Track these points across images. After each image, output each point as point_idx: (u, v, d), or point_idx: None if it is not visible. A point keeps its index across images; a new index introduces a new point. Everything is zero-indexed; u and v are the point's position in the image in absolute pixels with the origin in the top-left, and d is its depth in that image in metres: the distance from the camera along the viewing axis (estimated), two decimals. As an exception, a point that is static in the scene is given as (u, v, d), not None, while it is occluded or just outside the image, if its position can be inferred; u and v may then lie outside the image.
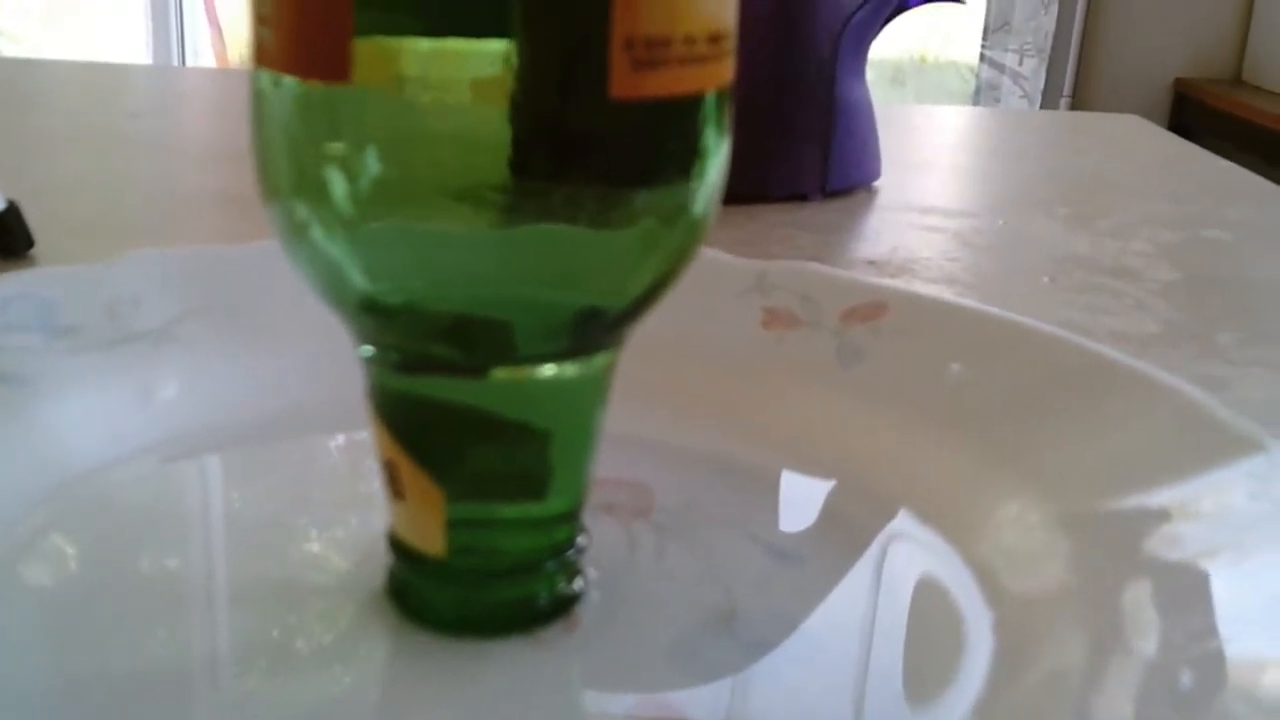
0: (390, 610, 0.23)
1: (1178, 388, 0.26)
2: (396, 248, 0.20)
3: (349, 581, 0.24)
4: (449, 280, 0.20)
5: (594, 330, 0.21)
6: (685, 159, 0.21)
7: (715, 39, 0.20)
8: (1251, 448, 0.24)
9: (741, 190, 0.58)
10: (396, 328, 0.21)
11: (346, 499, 0.28)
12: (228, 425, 0.30)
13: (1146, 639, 0.20)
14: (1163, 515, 0.23)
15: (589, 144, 0.20)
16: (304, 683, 0.22)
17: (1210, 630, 0.20)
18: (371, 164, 0.20)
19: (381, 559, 0.24)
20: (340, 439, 0.31)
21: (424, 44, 0.19)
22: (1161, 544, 0.22)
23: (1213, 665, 0.19)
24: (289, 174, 0.21)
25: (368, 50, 0.19)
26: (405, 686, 0.22)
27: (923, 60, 2.76)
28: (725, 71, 0.21)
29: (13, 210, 0.44)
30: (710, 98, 0.20)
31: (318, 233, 0.21)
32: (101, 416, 0.29)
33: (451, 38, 0.19)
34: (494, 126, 0.20)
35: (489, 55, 0.19)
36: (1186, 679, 0.19)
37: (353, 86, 0.19)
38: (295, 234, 0.21)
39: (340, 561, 0.25)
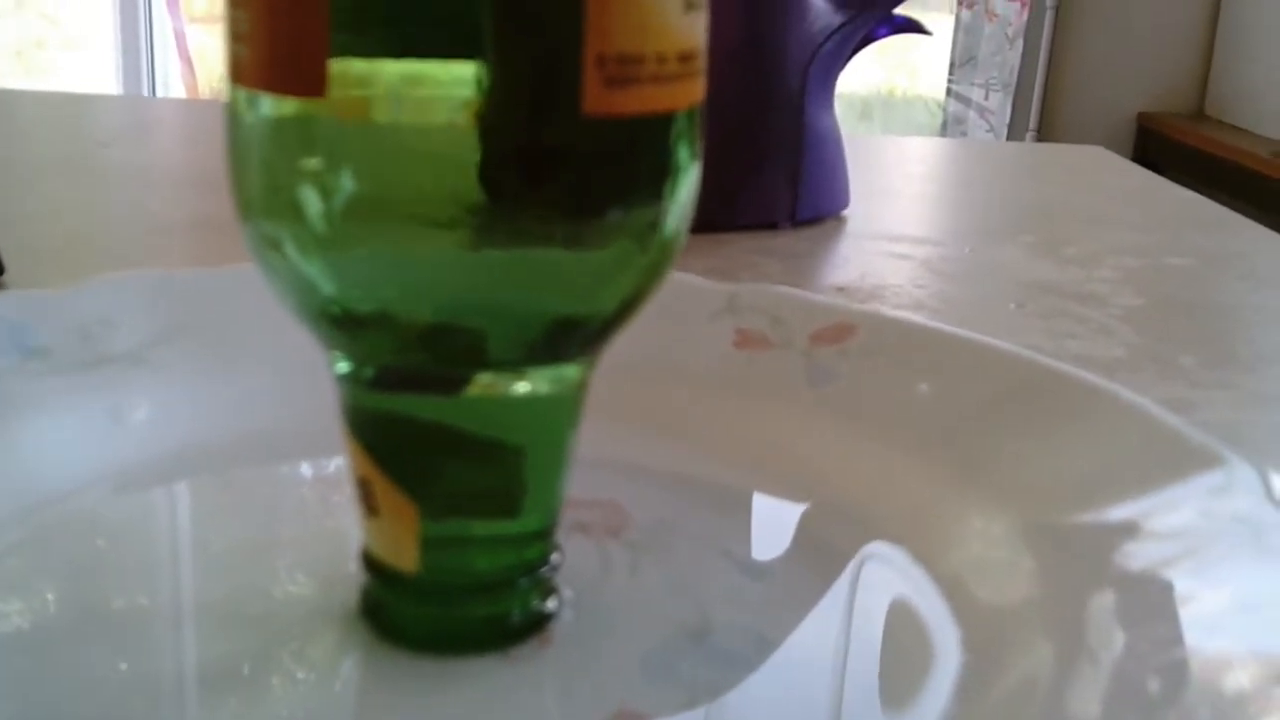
0: (364, 629, 0.23)
1: (1140, 405, 0.27)
2: (369, 261, 0.21)
3: (322, 601, 0.24)
4: (422, 291, 0.21)
5: (567, 340, 0.22)
6: (657, 177, 0.21)
7: (686, 58, 0.20)
8: (1212, 462, 0.24)
9: (711, 219, 0.58)
10: (369, 338, 0.21)
11: (318, 522, 0.28)
12: (199, 448, 0.30)
13: (1113, 648, 0.20)
14: (1127, 528, 0.24)
15: (562, 161, 0.20)
16: (278, 703, 0.22)
17: (1175, 638, 0.20)
18: (345, 182, 0.20)
19: (355, 580, 0.24)
20: (312, 462, 0.31)
21: (398, 63, 0.20)
22: (1126, 555, 0.23)
23: (1178, 672, 0.19)
24: (263, 191, 0.21)
25: (342, 69, 0.19)
26: (379, 705, 0.22)
27: (890, 94, 2.79)
28: (695, 90, 0.21)
29: (-18, 237, 0.44)
30: (681, 116, 0.21)
31: (291, 248, 0.21)
32: (72, 438, 0.29)
33: (425, 57, 0.20)
34: (468, 145, 0.20)
35: (463, 73, 0.20)
36: (1153, 685, 0.19)
37: (327, 104, 0.19)
38: (269, 250, 0.21)
39: (313, 581, 0.25)
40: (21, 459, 0.28)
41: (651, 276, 0.22)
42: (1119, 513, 0.24)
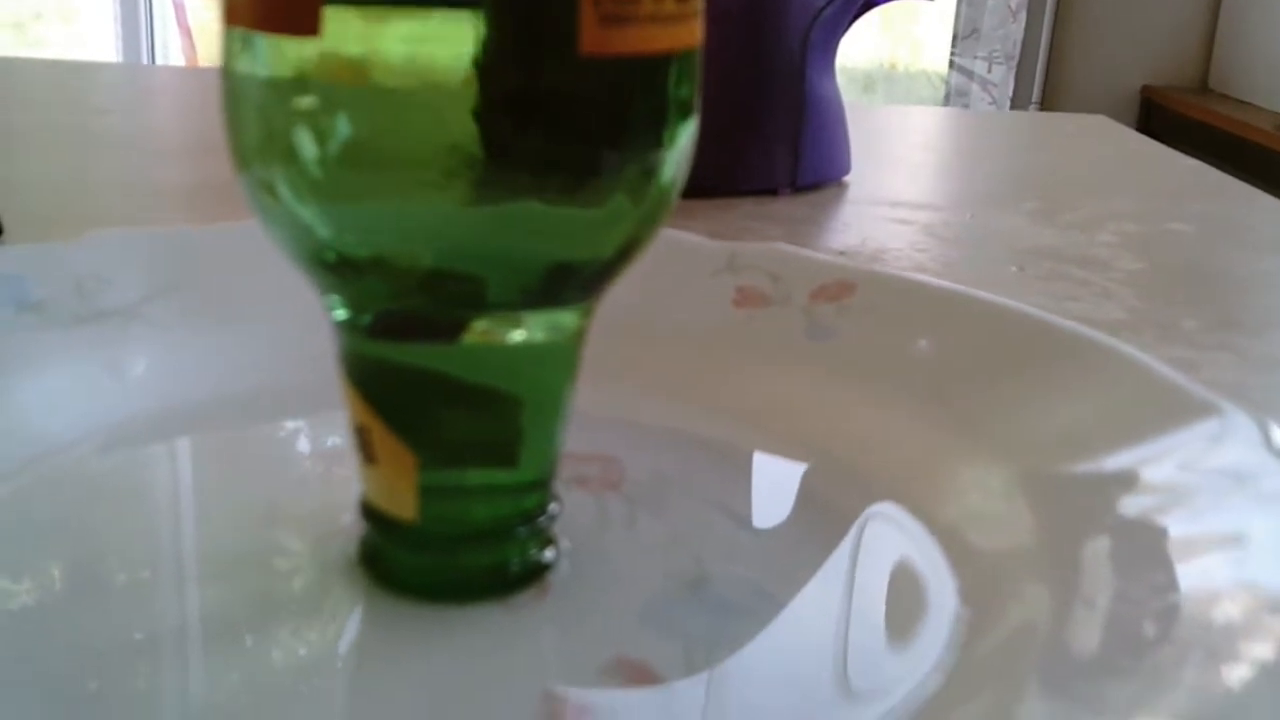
0: (363, 577, 0.23)
1: (1137, 357, 0.27)
2: (365, 206, 0.20)
3: (320, 550, 0.24)
4: (418, 238, 0.21)
5: (565, 285, 0.22)
6: (655, 120, 0.21)
7: None
8: (1209, 411, 0.24)
9: (713, 184, 0.58)
10: (365, 283, 0.21)
11: (316, 474, 0.28)
12: (195, 403, 0.30)
13: (1109, 592, 0.20)
14: (1124, 476, 0.24)
15: (560, 101, 0.20)
16: (277, 649, 0.22)
17: (1171, 582, 0.20)
18: (341, 127, 0.20)
19: (353, 529, 0.24)
20: (309, 416, 0.31)
21: (393, 7, 0.19)
22: (1123, 503, 0.23)
23: (1173, 613, 0.19)
24: (259, 136, 0.21)
25: (337, 12, 0.19)
26: (378, 652, 0.22)
27: (893, 68, 2.78)
28: (693, 32, 0.21)
29: (-20, 198, 0.44)
30: (679, 58, 0.21)
31: (286, 193, 0.21)
32: (69, 393, 0.29)
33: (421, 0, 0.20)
34: (465, 89, 0.20)
35: (459, 15, 0.19)
36: (1149, 627, 0.19)
37: (322, 48, 0.19)
38: (265, 195, 0.21)
39: (311, 531, 0.25)
40: (16, 413, 0.28)
41: (649, 224, 0.22)
42: (1116, 462, 0.24)
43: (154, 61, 2.59)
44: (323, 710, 0.20)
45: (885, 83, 2.77)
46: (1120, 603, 0.20)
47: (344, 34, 0.19)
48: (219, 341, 0.31)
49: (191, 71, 0.98)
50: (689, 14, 0.20)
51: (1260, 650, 0.18)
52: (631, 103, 0.20)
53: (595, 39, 0.19)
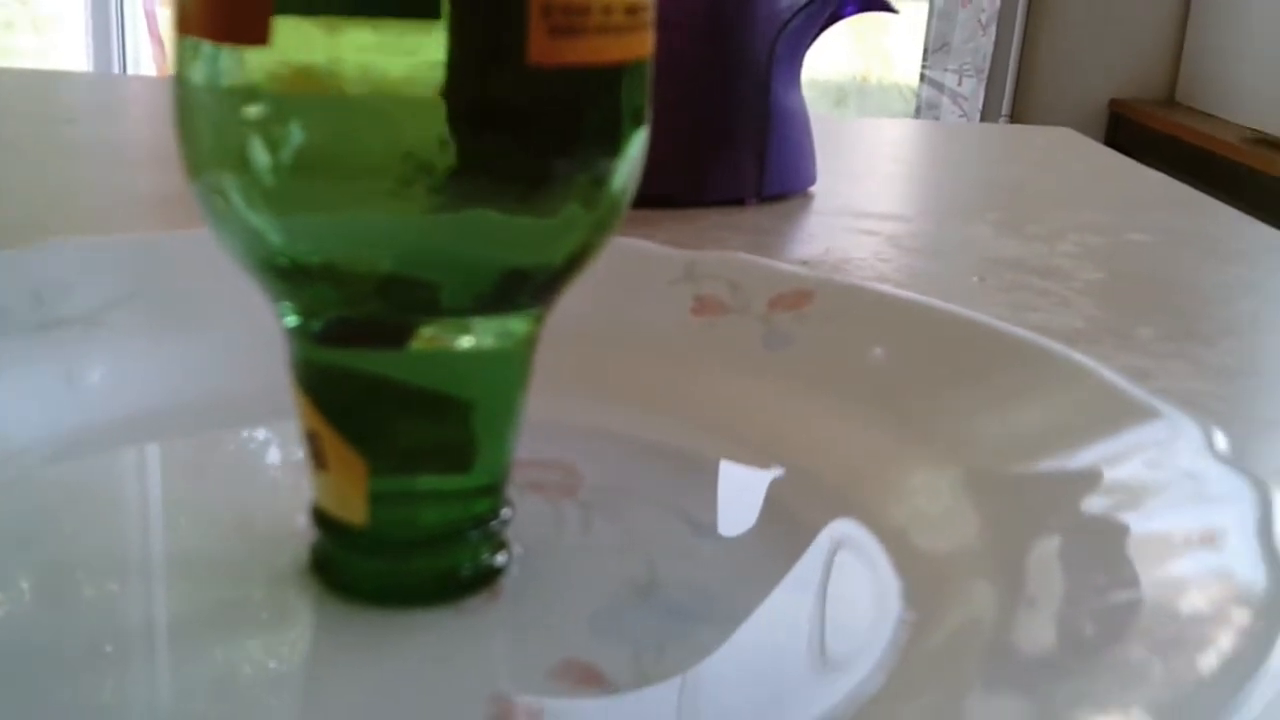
0: (314, 583, 0.24)
1: (1084, 364, 0.27)
2: (318, 213, 0.21)
3: (272, 556, 0.24)
4: (370, 245, 0.21)
5: (517, 292, 0.22)
6: (606, 129, 0.21)
7: (633, 10, 0.20)
8: (1152, 416, 0.25)
9: (678, 195, 0.59)
10: (316, 289, 0.21)
11: (269, 481, 0.28)
12: (152, 411, 0.30)
13: (1055, 592, 0.21)
14: (1071, 479, 0.24)
15: (510, 112, 0.20)
16: (228, 656, 0.22)
17: (1113, 583, 0.20)
18: (292, 134, 0.20)
19: (305, 535, 0.24)
20: (264, 424, 0.31)
21: (343, 17, 0.20)
22: (1070, 504, 0.23)
23: (1115, 614, 0.19)
24: (210, 145, 0.21)
25: (288, 21, 0.19)
26: (329, 656, 0.22)
27: (864, 81, 2.79)
28: (643, 43, 0.21)
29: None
30: (629, 69, 0.21)
31: (238, 201, 0.21)
32: (26, 400, 0.29)
33: (371, 10, 0.20)
34: (415, 100, 0.20)
35: (409, 26, 0.20)
36: (1091, 627, 0.19)
37: (272, 54, 0.20)
38: (217, 204, 0.21)
39: (263, 538, 0.25)
40: (-26, 419, 0.28)
41: (600, 232, 0.22)
42: (1062, 465, 0.24)
43: (125, 71, 2.58)
44: (275, 715, 0.20)
45: (857, 96, 2.78)
46: (1064, 601, 0.20)
47: (295, 43, 0.20)
48: (178, 349, 0.31)
49: (162, 81, 0.98)
50: (639, 25, 0.21)
51: (1203, 644, 0.18)
52: (582, 113, 0.21)
53: (544, 50, 0.19)
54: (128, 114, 0.82)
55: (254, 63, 0.20)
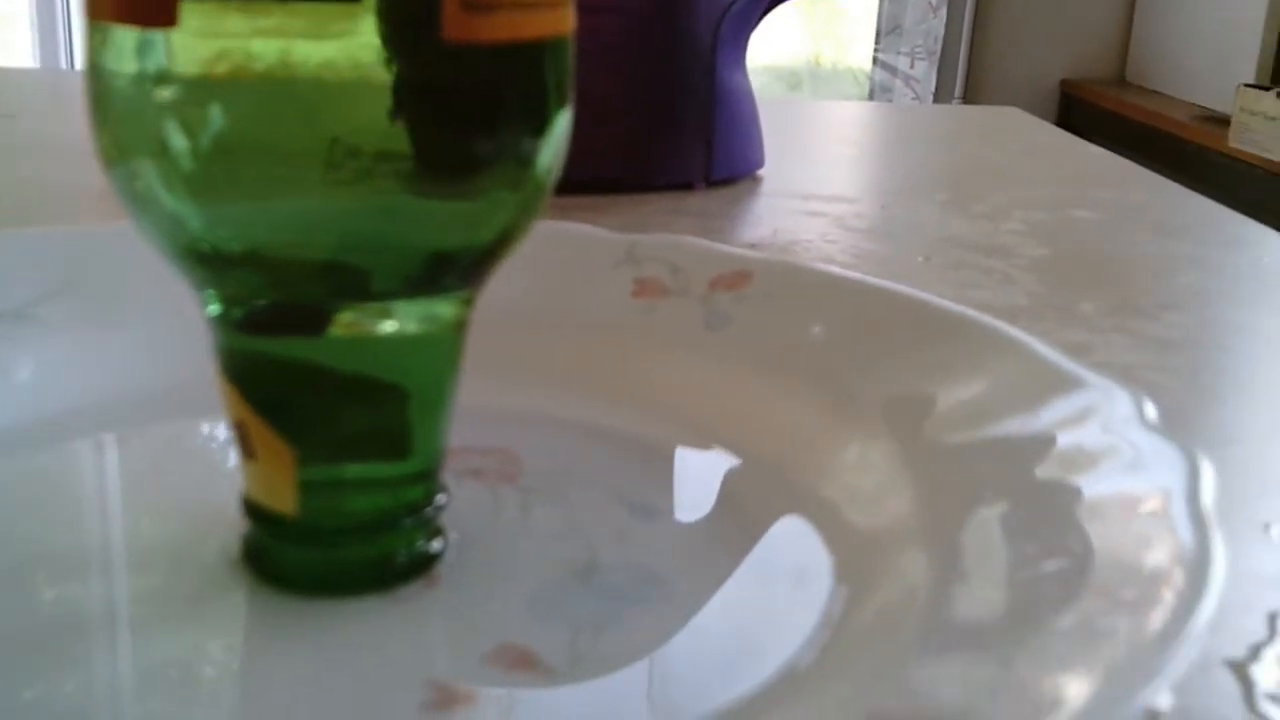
0: (246, 573, 0.23)
1: (1016, 337, 0.27)
2: (237, 199, 0.20)
3: (203, 547, 0.24)
4: (291, 229, 0.20)
5: (443, 274, 0.21)
6: (527, 108, 0.21)
7: (550, -13, 0.20)
8: (1082, 386, 0.25)
9: (625, 180, 0.58)
10: (238, 276, 0.21)
11: (200, 473, 0.28)
12: (85, 406, 0.30)
13: (987, 560, 0.21)
14: (1005, 448, 0.24)
15: (426, 91, 0.20)
16: (161, 649, 0.21)
17: (1048, 549, 0.20)
18: (211, 118, 0.20)
19: (236, 526, 0.24)
20: (197, 418, 0.30)
21: (259, -3, 0.19)
22: (1004, 473, 0.23)
23: (1048, 583, 0.19)
24: (127, 131, 0.21)
25: (198, 2, 0.19)
26: (262, 647, 0.22)
27: (817, 64, 2.80)
28: (561, 21, 0.21)
29: None
30: (549, 46, 0.21)
31: (157, 188, 0.20)
32: (-47, 397, 0.28)
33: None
34: (330, 79, 0.20)
35: (322, 5, 0.19)
36: (1022, 596, 0.19)
37: (183, 36, 0.19)
38: (136, 191, 0.21)
39: (194, 529, 0.25)
40: (-101, 418, 0.27)
41: (526, 213, 0.22)
42: (997, 436, 0.25)
43: (73, 67, 2.55)
44: (209, 707, 0.20)
45: (810, 80, 2.79)
46: (997, 569, 0.20)
47: (206, 25, 0.19)
48: (107, 343, 0.31)
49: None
50: (556, 2, 0.20)
51: (1133, 607, 0.18)
52: (502, 91, 0.20)
53: (459, 26, 0.19)
54: (71, 109, 0.81)
55: (167, 46, 0.20)
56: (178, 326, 0.30)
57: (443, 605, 0.23)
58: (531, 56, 0.21)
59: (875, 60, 2.64)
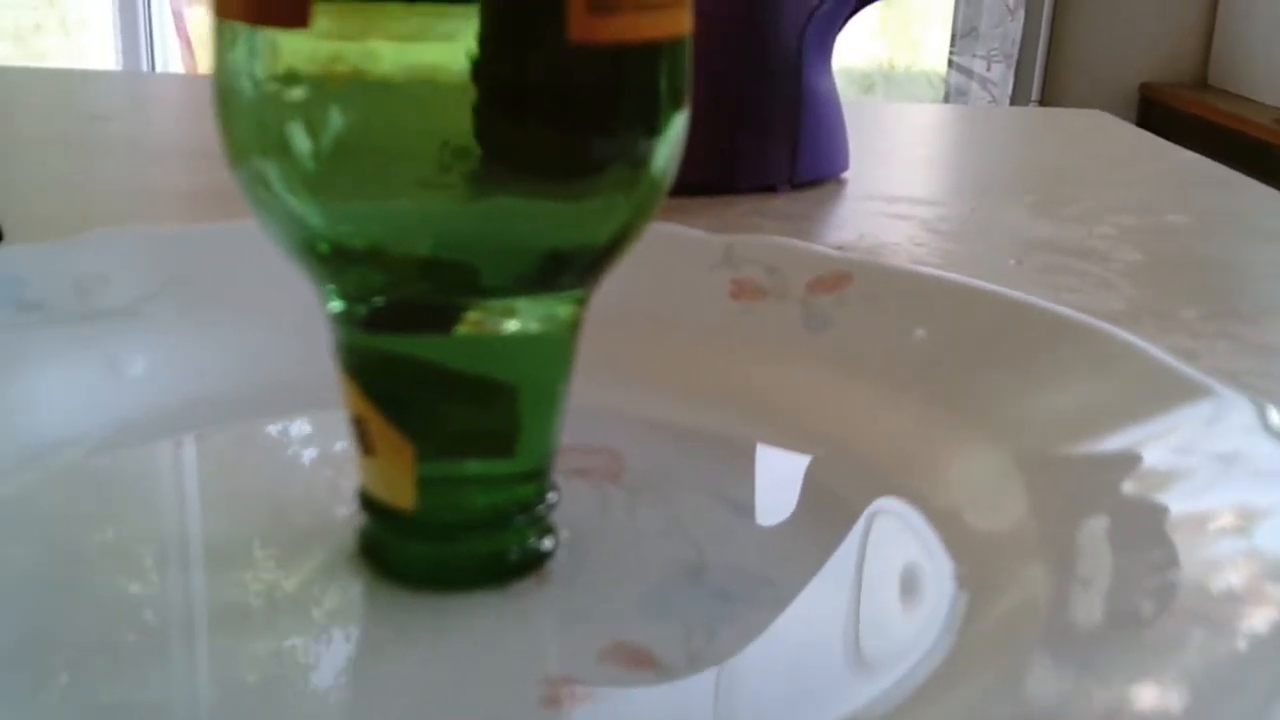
0: (362, 568, 0.24)
1: (1132, 342, 0.27)
2: (358, 198, 0.20)
3: (320, 541, 0.24)
4: (411, 227, 0.21)
5: (559, 273, 0.22)
6: (645, 109, 0.21)
7: (672, -13, 0.20)
8: (1204, 394, 0.24)
9: (710, 182, 0.58)
10: (359, 272, 0.21)
11: (315, 467, 0.28)
12: (195, 400, 0.30)
13: (1106, 571, 0.20)
14: (1121, 458, 0.24)
15: (550, 92, 0.20)
16: (279, 641, 0.22)
17: (1169, 560, 0.20)
18: (332, 118, 0.20)
19: (352, 522, 0.25)
20: (307, 413, 0.31)
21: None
22: (1120, 483, 0.23)
23: (1171, 590, 0.19)
24: (252, 130, 0.21)
25: (328, 3, 0.19)
26: (378, 640, 0.22)
27: (892, 68, 2.78)
28: (682, 21, 0.21)
29: (-20, 204, 0.44)
30: (667, 47, 0.21)
31: (279, 186, 0.21)
32: (68, 391, 0.29)
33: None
34: (456, 81, 0.20)
35: (449, 6, 0.19)
36: (1147, 603, 0.19)
37: (312, 38, 0.19)
38: (259, 190, 0.21)
39: (310, 523, 0.25)
40: (17, 411, 0.28)
41: (641, 214, 0.22)
42: (1113, 444, 0.24)
43: (154, 70, 2.60)
44: (326, 700, 0.20)
45: (884, 84, 2.77)
46: (1118, 579, 0.20)
47: (334, 27, 0.20)
48: (217, 339, 0.31)
49: (189, 79, 0.98)
50: (678, 2, 0.21)
51: (1260, 619, 0.18)
52: (622, 92, 0.21)
53: (583, 27, 0.19)
54: (158, 111, 0.83)
55: (292, 47, 0.20)
56: (284, 323, 0.31)
57: (555, 602, 0.23)
58: (651, 57, 0.21)
59: (950, 63, 2.62)
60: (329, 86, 0.20)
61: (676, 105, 0.22)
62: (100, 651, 0.21)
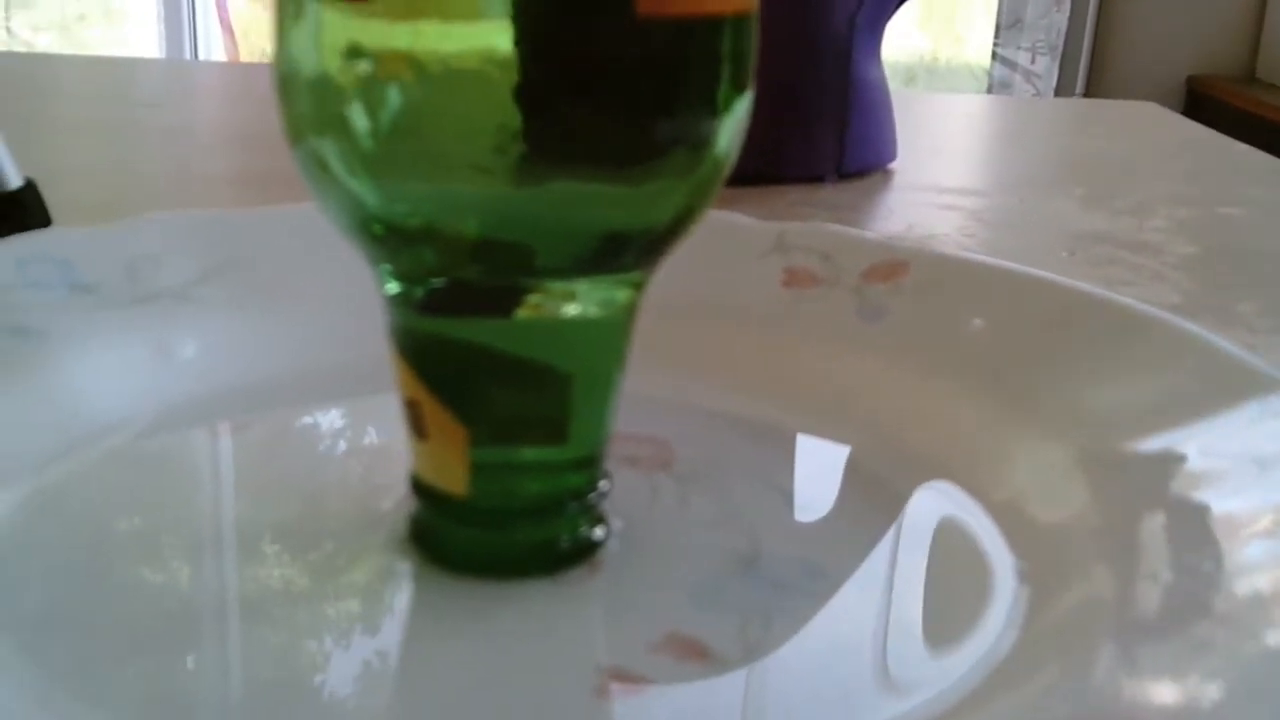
0: (413, 553, 0.23)
1: (1196, 333, 0.26)
2: (415, 178, 0.20)
3: (371, 526, 0.24)
4: (469, 208, 0.20)
5: (618, 254, 0.21)
6: (709, 86, 0.20)
7: (737, -37, 0.20)
8: (1270, 388, 0.24)
9: (757, 171, 0.58)
10: (415, 252, 0.21)
11: (365, 453, 0.28)
12: (246, 384, 0.30)
13: (1171, 568, 0.20)
14: (1185, 453, 0.23)
15: (616, 68, 0.20)
16: (329, 627, 0.21)
17: (1239, 558, 0.19)
18: (391, 97, 0.20)
19: (402, 507, 0.24)
20: (358, 397, 0.30)
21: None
22: (1183, 480, 0.22)
23: (1240, 589, 0.19)
24: (311, 109, 0.21)
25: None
26: (428, 627, 0.22)
27: (935, 61, 2.75)
28: (746, -1, 0.20)
29: (31, 188, 0.44)
30: (730, 22, 0.20)
31: (338, 166, 0.20)
32: (120, 374, 0.29)
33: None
34: (517, 60, 0.20)
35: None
36: (1217, 601, 0.18)
37: (373, 16, 0.19)
38: (317, 169, 0.21)
39: (361, 508, 0.25)
40: (69, 393, 0.28)
41: (702, 195, 0.22)
42: (1175, 438, 0.24)
43: (197, 58, 2.62)
44: (375, 685, 0.20)
45: (927, 76, 2.74)
46: (1184, 576, 0.19)
47: (397, 3, 0.19)
48: (268, 323, 0.31)
49: (234, 67, 0.99)
50: (743, -22, 0.20)
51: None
52: (688, 70, 0.20)
53: (652, 1, 0.19)
54: (202, 98, 0.83)
55: (355, 23, 0.20)
56: (335, 308, 0.31)
57: (607, 592, 0.23)
58: (715, 32, 0.20)
59: (994, 55, 2.59)
60: (389, 65, 0.20)
61: (741, 86, 0.21)
62: (152, 637, 0.21)
